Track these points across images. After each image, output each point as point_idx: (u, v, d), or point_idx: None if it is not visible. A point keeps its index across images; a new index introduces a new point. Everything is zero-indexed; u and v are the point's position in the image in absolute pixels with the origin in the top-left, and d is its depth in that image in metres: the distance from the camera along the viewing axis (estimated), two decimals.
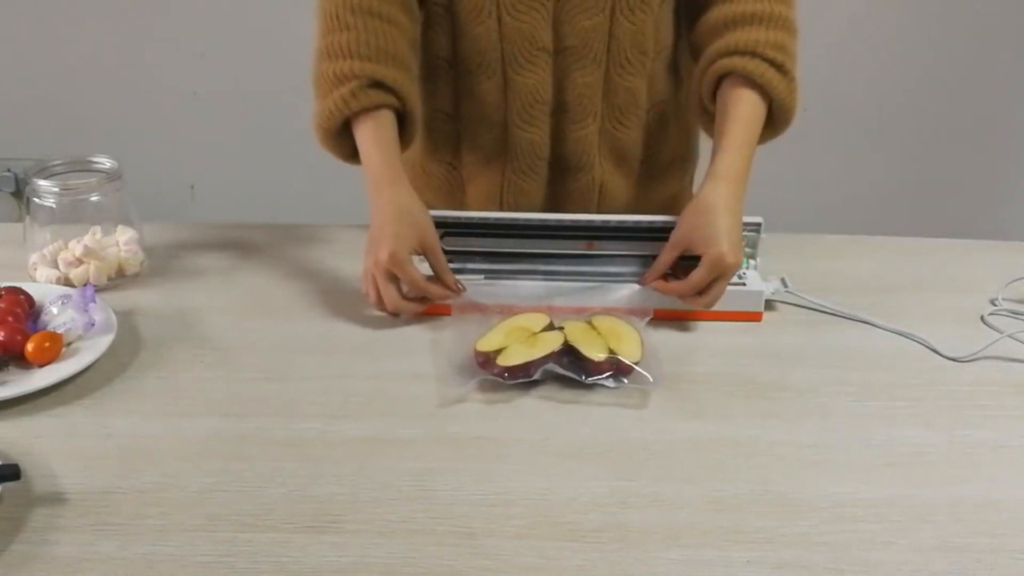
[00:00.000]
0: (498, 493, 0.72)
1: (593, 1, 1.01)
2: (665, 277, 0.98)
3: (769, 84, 0.98)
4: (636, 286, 0.99)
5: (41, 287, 0.98)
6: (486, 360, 0.86)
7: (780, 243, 1.09)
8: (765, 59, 0.98)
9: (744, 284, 0.99)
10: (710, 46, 1.01)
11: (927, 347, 0.94)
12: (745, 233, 0.99)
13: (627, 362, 0.85)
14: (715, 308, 0.95)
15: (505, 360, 0.85)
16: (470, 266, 1.03)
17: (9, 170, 2.32)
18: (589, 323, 0.91)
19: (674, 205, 1.16)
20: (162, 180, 2.28)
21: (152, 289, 1.05)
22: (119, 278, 1.06)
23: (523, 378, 0.85)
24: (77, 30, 2.21)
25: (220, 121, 2.28)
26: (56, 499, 0.71)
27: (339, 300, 1.01)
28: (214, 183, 2.37)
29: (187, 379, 0.88)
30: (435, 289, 0.97)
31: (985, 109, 2.29)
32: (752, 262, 1.03)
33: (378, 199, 0.96)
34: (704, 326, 0.98)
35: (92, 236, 1.05)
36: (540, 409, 0.83)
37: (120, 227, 1.08)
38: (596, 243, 1.03)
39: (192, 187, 2.38)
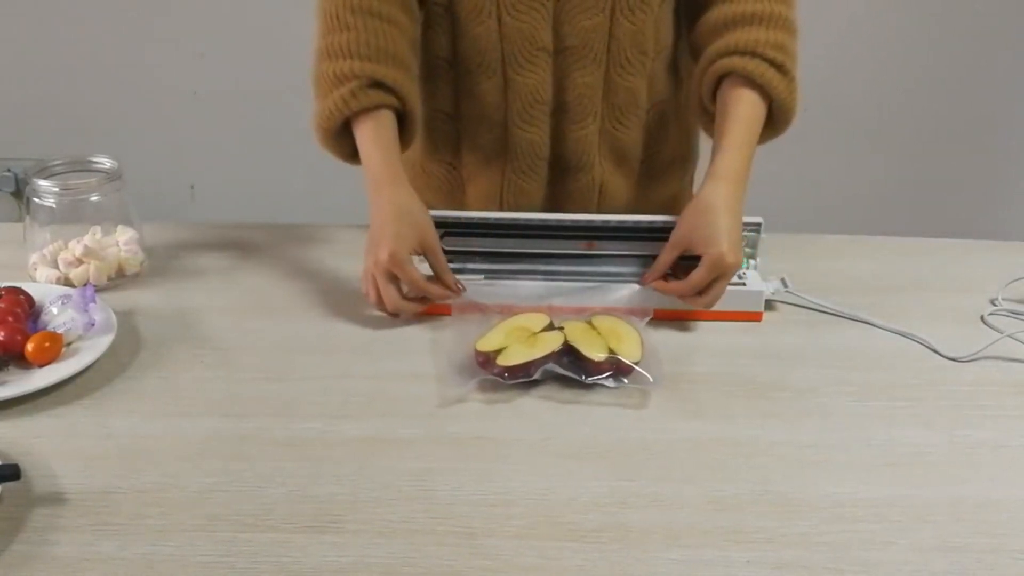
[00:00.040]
0: (498, 493, 0.72)
1: (593, 1, 1.01)
2: (665, 277, 0.98)
3: (769, 84, 0.98)
4: (636, 286, 0.98)
5: (41, 287, 0.98)
6: (486, 360, 0.86)
7: (780, 243, 1.09)
8: (765, 59, 0.98)
9: (744, 284, 0.99)
10: (710, 46, 1.01)
11: (927, 347, 0.94)
12: (745, 233, 0.99)
13: (627, 362, 0.85)
14: (715, 308, 0.95)
15: (505, 360, 0.85)
16: (470, 266, 1.03)
17: (9, 170, 2.32)
18: (589, 323, 0.91)
19: (674, 205, 1.16)
20: (162, 180, 2.28)
21: (152, 289, 1.05)
22: (119, 278, 1.06)
23: (523, 378, 0.85)
24: (77, 30, 2.21)
25: (220, 121, 2.28)
26: (56, 499, 0.71)
27: (339, 300, 1.01)
28: (214, 183, 2.37)
29: (187, 379, 0.88)
30: (435, 289, 0.97)
31: (985, 109, 2.29)
32: (752, 262, 1.03)
33: (378, 199, 0.96)
34: (704, 326, 0.98)
35: (92, 236, 1.05)
36: (540, 409, 0.83)
37: (120, 227, 1.08)
38: (596, 243, 1.03)
39: (192, 187, 2.38)
